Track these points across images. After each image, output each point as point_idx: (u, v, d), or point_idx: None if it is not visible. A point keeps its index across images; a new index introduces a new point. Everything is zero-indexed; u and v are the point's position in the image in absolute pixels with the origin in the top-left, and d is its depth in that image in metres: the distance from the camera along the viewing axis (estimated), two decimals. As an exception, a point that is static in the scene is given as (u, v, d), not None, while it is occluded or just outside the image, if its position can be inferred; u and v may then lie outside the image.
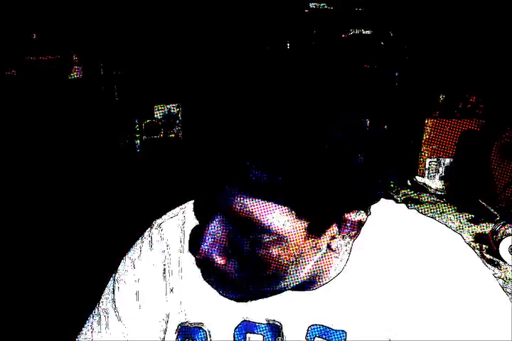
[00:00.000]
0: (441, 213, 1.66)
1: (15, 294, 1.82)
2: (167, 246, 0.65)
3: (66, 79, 2.12)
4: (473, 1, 1.89)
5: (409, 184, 1.90)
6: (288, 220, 0.46)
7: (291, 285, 0.52)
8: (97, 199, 2.08)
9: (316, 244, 0.50)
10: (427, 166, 1.88)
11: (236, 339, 0.57)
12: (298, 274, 0.51)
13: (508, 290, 1.20)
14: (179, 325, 0.62)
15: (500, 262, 1.29)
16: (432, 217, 0.65)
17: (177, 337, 0.61)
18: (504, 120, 1.68)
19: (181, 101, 2.28)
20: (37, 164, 2.04)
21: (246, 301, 0.54)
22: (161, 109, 2.28)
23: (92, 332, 0.66)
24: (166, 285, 0.63)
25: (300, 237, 0.47)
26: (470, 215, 1.61)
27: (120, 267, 0.68)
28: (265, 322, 0.57)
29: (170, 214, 0.69)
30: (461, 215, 1.63)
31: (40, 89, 2.07)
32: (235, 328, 0.58)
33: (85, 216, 2.02)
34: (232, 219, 0.48)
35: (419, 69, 1.97)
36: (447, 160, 1.86)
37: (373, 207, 0.55)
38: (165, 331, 0.63)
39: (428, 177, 1.88)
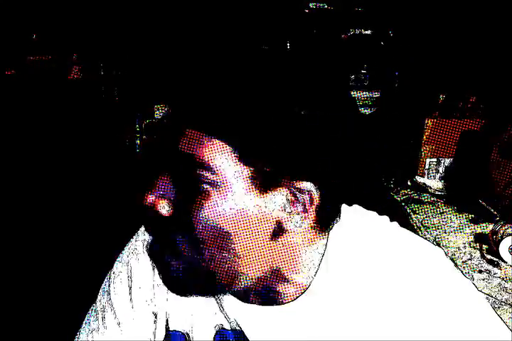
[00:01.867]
0: (441, 213, 1.66)
1: (13, 290, 1.82)
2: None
3: (66, 79, 2.12)
4: (473, 1, 1.89)
5: (409, 184, 1.90)
6: (231, 162, 0.45)
7: (245, 272, 0.49)
8: (96, 198, 2.08)
9: (261, 205, 0.47)
10: (426, 166, 1.88)
11: None
12: (249, 252, 0.48)
13: (509, 291, 1.20)
14: (166, 328, 0.62)
15: (500, 262, 1.29)
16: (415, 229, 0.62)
17: None
18: (504, 120, 1.68)
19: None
20: (36, 164, 2.04)
21: (188, 288, 0.52)
22: (161, 109, 2.28)
23: (90, 331, 0.66)
24: (154, 286, 0.63)
25: (241, 185, 0.45)
26: (470, 215, 1.61)
27: (115, 264, 0.68)
28: (236, 329, 0.57)
29: None
30: (461, 215, 1.62)
31: (40, 89, 2.07)
32: (214, 335, 0.58)
33: (85, 216, 2.02)
34: (178, 161, 0.47)
35: (419, 69, 1.97)
36: (447, 160, 1.86)
37: (346, 218, 0.54)
38: (154, 333, 0.63)
39: (428, 177, 1.88)
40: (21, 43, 2.05)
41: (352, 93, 2.09)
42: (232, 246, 0.47)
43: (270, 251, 0.50)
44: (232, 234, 0.47)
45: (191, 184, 0.46)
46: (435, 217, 1.62)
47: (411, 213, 1.66)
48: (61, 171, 2.09)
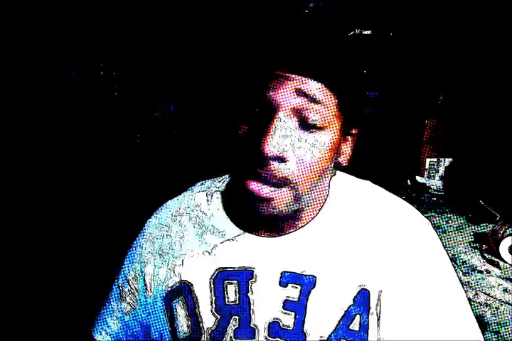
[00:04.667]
0: (441, 213, 1.66)
1: (14, 290, 1.82)
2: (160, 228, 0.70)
3: (66, 79, 2.12)
4: (473, 1, 1.89)
5: (409, 184, 1.91)
6: (334, 106, 0.53)
7: (304, 200, 0.57)
8: (96, 198, 2.08)
9: (338, 149, 0.56)
10: (427, 166, 1.88)
11: (216, 287, 0.61)
12: (318, 188, 0.57)
13: (509, 291, 1.20)
14: (163, 295, 0.64)
15: (500, 262, 1.29)
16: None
17: (167, 304, 0.64)
18: (503, 119, 1.68)
19: (181, 100, 2.28)
20: (37, 164, 2.04)
21: (270, 212, 0.58)
22: (161, 109, 2.28)
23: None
24: (154, 261, 0.68)
25: (338, 128, 0.54)
26: (470, 215, 1.62)
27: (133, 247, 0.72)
28: (239, 268, 0.61)
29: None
30: (461, 215, 1.63)
31: (40, 89, 2.07)
32: (213, 278, 0.61)
33: (84, 216, 2.02)
34: (295, 110, 0.53)
35: (420, 69, 1.97)
36: (447, 160, 1.86)
37: (347, 178, 0.63)
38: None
39: (428, 177, 1.88)
40: (21, 43, 2.05)
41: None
42: (318, 173, 0.55)
43: (324, 178, 0.58)
44: (321, 163, 0.55)
45: (306, 128, 0.53)
46: (435, 217, 1.62)
47: (411, 213, 1.66)
48: (61, 171, 2.09)
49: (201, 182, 0.73)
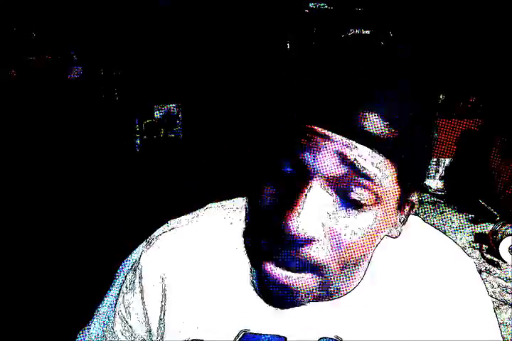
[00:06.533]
0: (441, 213, 1.66)
1: (14, 291, 1.82)
2: (164, 265, 0.60)
3: (66, 79, 2.12)
4: (473, 1, 1.89)
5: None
6: (390, 178, 0.43)
7: (349, 284, 0.51)
8: (96, 198, 2.08)
9: (395, 221, 0.48)
10: (427, 166, 1.87)
11: None
12: (361, 270, 0.51)
13: (509, 290, 1.19)
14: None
15: (500, 262, 1.29)
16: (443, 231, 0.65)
17: None
18: (503, 119, 1.68)
19: (181, 101, 2.28)
20: (36, 164, 2.04)
21: (287, 306, 0.50)
22: (161, 109, 2.28)
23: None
24: (161, 306, 0.58)
25: (393, 203, 0.44)
26: (470, 215, 1.61)
27: (124, 279, 0.65)
28: (270, 333, 0.53)
29: (166, 228, 0.64)
30: (461, 215, 1.62)
31: (40, 89, 2.07)
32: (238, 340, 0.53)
33: (84, 217, 2.02)
34: (335, 180, 0.42)
35: (419, 69, 1.96)
36: (447, 160, 1.85)
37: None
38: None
39: (428, 177, 1.88)
40: (21, 43, 2.05)
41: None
42: (360, 263, 0.48)
43: (367, 258, 0.51)
44: (366, 256, 0.48)
45: (348, 203, 0.43)
46: (435, 217, 1.62)
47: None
48: (61, 171, 2.09)
49: (216, 207, 0.61)
